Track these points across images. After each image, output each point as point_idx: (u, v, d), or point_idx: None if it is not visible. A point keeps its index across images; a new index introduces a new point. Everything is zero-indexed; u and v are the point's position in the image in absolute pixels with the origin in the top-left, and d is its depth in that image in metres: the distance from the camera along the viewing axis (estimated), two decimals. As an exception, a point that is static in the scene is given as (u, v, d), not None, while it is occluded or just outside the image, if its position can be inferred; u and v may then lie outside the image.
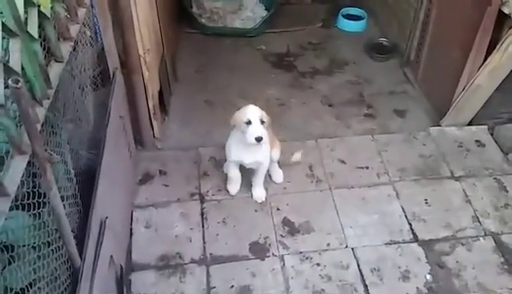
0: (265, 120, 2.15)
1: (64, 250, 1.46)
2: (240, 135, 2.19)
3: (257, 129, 2.10)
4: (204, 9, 3.92)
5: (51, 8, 1.44)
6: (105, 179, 1.80)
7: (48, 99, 1.34)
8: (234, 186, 2.46)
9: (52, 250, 1.40)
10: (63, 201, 1.48)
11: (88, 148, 2.00)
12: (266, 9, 3.94)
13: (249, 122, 2.12)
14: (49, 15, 1.39)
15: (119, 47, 2.26)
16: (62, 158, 1.60)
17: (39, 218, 1.36)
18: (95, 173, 1.78)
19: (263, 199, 2.43)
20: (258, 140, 2.10)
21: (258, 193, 2.44)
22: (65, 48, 1.49)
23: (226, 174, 2.50)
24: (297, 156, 2.59)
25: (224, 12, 3.92)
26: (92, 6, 2.01)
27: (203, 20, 3.78)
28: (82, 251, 1.53)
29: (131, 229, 2.26)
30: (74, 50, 1.76)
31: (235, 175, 2.42)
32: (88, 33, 2.01)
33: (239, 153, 2.29)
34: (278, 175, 2.53)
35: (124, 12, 2.20)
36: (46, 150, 1.32)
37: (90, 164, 1.92)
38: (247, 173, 2.45)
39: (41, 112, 1.30)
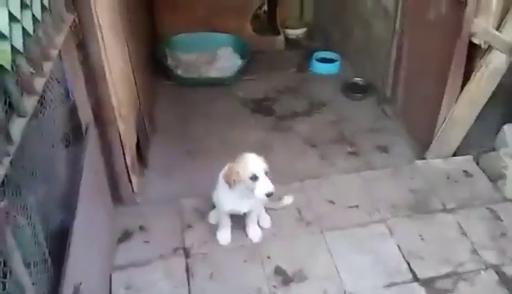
0: (267, 169, 2.02)
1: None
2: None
3: (266, 184, 1.98)
4: (179, 61, 3.94)
5: (13, 61, 1.36)
6: (79, 240, 1.66)
7: (8, 156, 1.23)
8: (226, 235, 2.32)
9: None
10: (29, 268, 1.34)
11: (61, 208, 1.86)
12: (241, 58, 3.98)
13: (254, 178, 1.99)
14: (9, 69, 1.31)
15: (91, 101, 2.19)
16: (29, 220, 1.46)
17: (4, 289, 1.21)
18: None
19: (260, 237, 2.32)
20: (269, 195, 1.98)
21: (254, 232, 2.33)
22: (30, 103, 1.40)
23: (213, 224, 2.38)
24: (287, 199, 2.49)
25: (200, 63, 3.94)
26: (61, 60, 1.95)
27: (179, 72, 3.78)
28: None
29: (110, 292, 2.07)
30: (42, 104, 1.68)
31: (227, 223, 2.30)
32: (57, 87, 1.93)
33: (233, 202, 2.17)
34: (266, 221, 2.41)
35: (96, 66, 2.15)
36: (7, 213, 1.19)
37: (64, 225, 1.78)
38: (234, 220, 2.34)
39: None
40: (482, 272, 2.17)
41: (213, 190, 2.32)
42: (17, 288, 1.22)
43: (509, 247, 2.28)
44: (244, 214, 2.30)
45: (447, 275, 2.17)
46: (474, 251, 2.27)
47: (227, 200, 2.17)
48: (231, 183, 2.05)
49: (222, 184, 2.17)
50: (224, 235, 2.32)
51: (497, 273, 2.17)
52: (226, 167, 2.11)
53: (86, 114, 2.14)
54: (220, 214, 2.30)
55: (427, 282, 2.13)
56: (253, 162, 2.01)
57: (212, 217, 2.43)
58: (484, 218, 2.45)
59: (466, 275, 2.16)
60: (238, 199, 2.15)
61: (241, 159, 2.04)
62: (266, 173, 2.01)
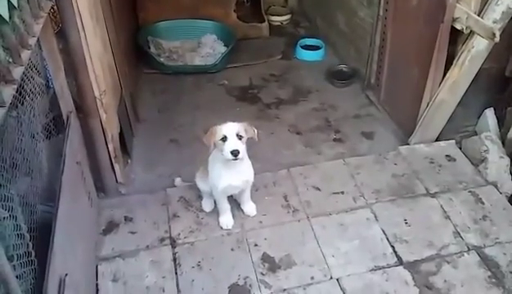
0: (243, 134, 2.05)
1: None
2: (219, 156, 2.08)
3: (232, 143, 2.00)
4: (162, 49, 3.87)
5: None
6: (63, 232, 1.63)
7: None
8: (229, 218, 2.33)
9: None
10: (12, 261, 1.31)
11: (44, 200, 1.83)
12: (225, 45, 3.94)
13: (224, 139, 2.02)
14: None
15: (72, 90, 2.15)
16: (11, 212, 1.43)
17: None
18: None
19: (256, 212, 2.37)
20: (235, 154, 1.99)
21: (250, 207, 2.39)
22: (7, 92, 1.36)
23: (207, 212, 2.40)
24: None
25: (183, 51, 3.89)
26: (40, 49, 1.90)
27: (162, 60, 3.72)
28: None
29: (97, 284, 2.06)
30: (20, 94, 1.63)
31: (227, 207, 2.31)
32: (37, 76, 1.88)
33: (227, 178, 2.17)
34: (252, 208, 2.42)
35: (76, 54, 2.10)
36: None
37: (47, 217, 1.74)
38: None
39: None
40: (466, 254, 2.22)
41: (200, 177, 2.32)
42: (0, 282, 1.20)
43: (491, 229, 2.33)
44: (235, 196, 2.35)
45: (431, 258, 2.21)
46: (457, 234, 2.32)
47: (222, 177, 2.17)
48: (209, 144, 2.08)
49: (213, 164, 2.18)
50: (226, 220, 2.32)
51: (479, 254, 2.22)
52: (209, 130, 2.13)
53: (67, 104, 2.09)
54: (217, 199, 2.30)
55: (412, 266, 2.17)
56: (226, 126, 2.05)
57: (205, 205, 2.42)
58: (467, 201, 2.49)
59: (449, 258, 2.20)
60: (230, 174, 2.16)
61: (220, 125, 2.08)
62: (239, 136, 2.04)
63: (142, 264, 2.16)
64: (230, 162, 2.07)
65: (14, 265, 1.32)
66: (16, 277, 1.28)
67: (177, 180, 2.58)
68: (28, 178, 1.71)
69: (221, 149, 2.05)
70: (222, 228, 2.32)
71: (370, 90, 3.42)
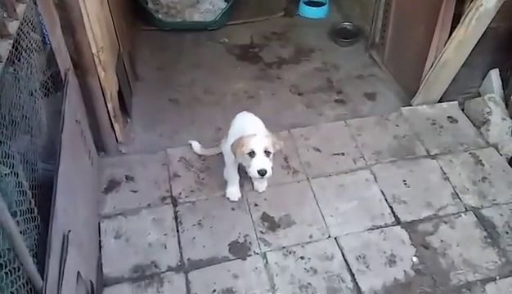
0: (271, 150, 2.02)
1: (22, 271, 1.30)
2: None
3: (260, 162, 1.98)
4: (160, 4, 3.75)
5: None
6: (65, 189, 1.64)
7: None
8: (236, 190, 2.30)
9: (7, 272, 1.24)
10: (15, 217, 1.32)
11: (45, 158, 1.83)
12: (225, 0, 3.81)
13: (252, 154, 1.99)
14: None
15: (69, 47, 2.10)
16: (12, 169, 1.43)
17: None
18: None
19: (265, 187, 2.34)
20: (262, 173, 1.98)
21: (261, 185, 2.34)
22: (3, 46, 1.32)
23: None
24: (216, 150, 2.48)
25: (182, 6, 3.77)
26: (36, 4, 1.84)
27: (159, 16, 3.62)
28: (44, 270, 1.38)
29: (99, 241, 2.10)
30: (17, 50, 1.59)
31: (236, 177, 2.28)
32: (33, 32, 1.83)
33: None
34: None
35: (72, 10, 2.03)
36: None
37: (48, 175, 1.75)
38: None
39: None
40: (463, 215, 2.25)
41: (223, 142, 2.30)
42: (5, 236, 1.21)
43: (490, 191, 2.36)
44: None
45: (429, 218, 2.24)
46: (456, 195, 2.34)
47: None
48: (235, 153, 2.06)
49: (229, 136, 2.17)
50: (233, 191, 2.29)
51: (476, 215, 2.25)
52: (237, 139, 2.07)
53: (64, 61, 2.05)
54: (228, 170, 2.27)
55: (409, 225, 2.21)
56: (255, 140, 2.00)
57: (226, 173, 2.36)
58: (467, 163, 2.50)
59: (447, 218, 2.24)
60: None
61: (250, 135, 2.03)
62: (267, 152, 2.00)
63: (144, 221, 2.19)
64: None
65: (17, 221, 1.33)
66: (20, 232, 1.30)
67: (195, 144, 2.51)
68: (28, 136, 1.70)
69: (247, 165, 2.02)
70: (228, 199, 2.29)
71: (374, 49, 3.35)
